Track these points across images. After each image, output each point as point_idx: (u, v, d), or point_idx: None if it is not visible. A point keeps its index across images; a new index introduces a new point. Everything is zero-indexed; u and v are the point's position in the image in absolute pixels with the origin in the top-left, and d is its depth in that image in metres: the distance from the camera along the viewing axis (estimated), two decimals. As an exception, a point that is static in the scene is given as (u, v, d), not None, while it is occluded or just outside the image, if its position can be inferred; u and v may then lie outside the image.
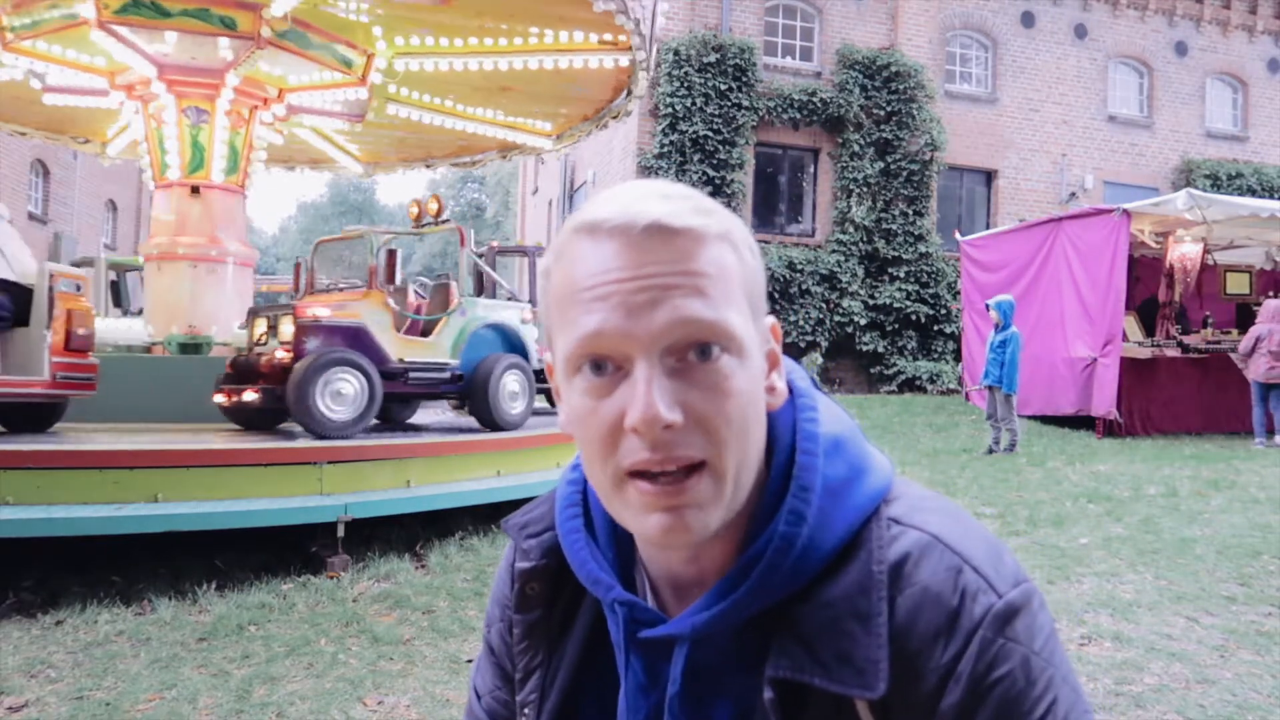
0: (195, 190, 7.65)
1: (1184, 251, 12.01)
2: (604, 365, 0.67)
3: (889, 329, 15.89)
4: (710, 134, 15.24)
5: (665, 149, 15.20)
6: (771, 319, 0.75)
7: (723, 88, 15.31)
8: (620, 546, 0.79)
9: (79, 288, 5.91)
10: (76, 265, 8.84)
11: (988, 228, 16.30)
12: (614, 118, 9.58)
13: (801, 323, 15.20)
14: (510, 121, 10.14)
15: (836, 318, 15.62)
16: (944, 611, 0.66)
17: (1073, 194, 17.91)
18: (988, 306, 9.56)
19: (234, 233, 8.01)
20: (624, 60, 7.77)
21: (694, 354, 0.66)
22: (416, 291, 7.53)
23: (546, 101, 9.46)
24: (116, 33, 6.75)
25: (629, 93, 8.77)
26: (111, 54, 7.22)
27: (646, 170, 15.28)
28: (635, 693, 0.76)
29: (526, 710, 0.83)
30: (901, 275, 16.03)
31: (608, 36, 7.62)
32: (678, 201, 0.68)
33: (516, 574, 0.84)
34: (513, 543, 0.88)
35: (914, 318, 15.90)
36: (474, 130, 10.14)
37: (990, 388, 9.22)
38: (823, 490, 0.71)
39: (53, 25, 6.98)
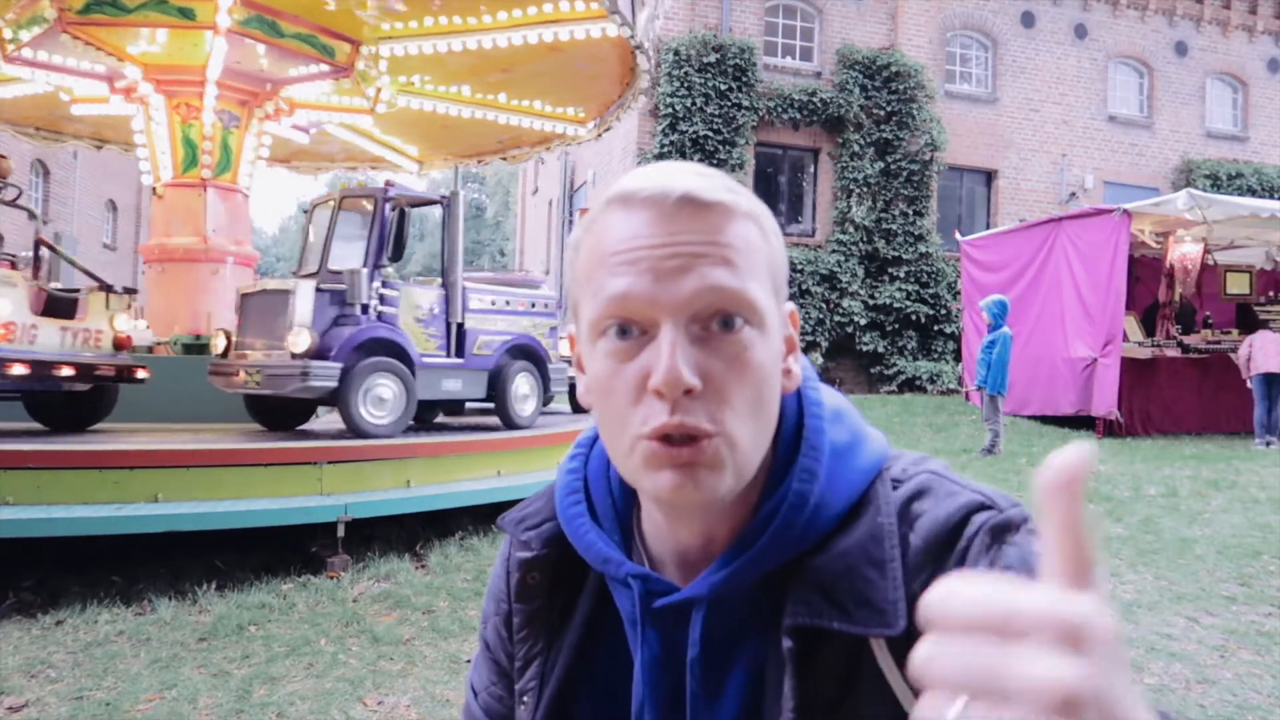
0: (154, 192, 7.66)
1: (1184, 251, 12.02)
2: (629, 329, 0.69)
3: (889, 329, 15.89)
4: (710, 134, 15.24)
5: (665, 149, 15.19)
6: (791, 305, 0.78)
7: (723, 88, 15.30)
8: (623, 530, 0.81)
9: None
10: None
11: (988, 228, 16.30)
12: (635, 99, 9.41)
13: (801, 322, 15.13)
14: (542, 110, 10.02)
15: (836, 318, 15.62)
16: (948, 528, 0.69)
17: (1072, 194, 17.91)
18: (982, 308, 9.54)
19: (232, 232, 8.00)
20: (611, 30, 7.56)
21: (717, 324, 0.68)
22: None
23: (557, 84, 9.31)
24: (84, 34, 6.69)
25: (635, 70, 8.63)
26: (81, 56, 7.18)
27: (646, 170, 15.26)
28: (652, 665, 0.77)
29: (526, 698, 0.84)
30: (901, 275, 16.03)
31: (581, 5, 7.44)
32: (710, 178, 0.71)
33: (516, 564, 0.86)
34: (509, 538, 0.89)
35: (914, 318, 15.90)
36: (508, 121, 10.03)
37: (980, 388, 9.22)
38: (830, 452, 0.74)
39: (40, 33, 6.95)
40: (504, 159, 11.74)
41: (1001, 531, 0.68)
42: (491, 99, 9.71)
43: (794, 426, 0.76)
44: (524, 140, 10.99)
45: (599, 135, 10.57)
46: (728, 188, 0.71)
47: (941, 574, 0.66)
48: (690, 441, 0.67)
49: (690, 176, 0.70)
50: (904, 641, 0.68)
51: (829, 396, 0.79)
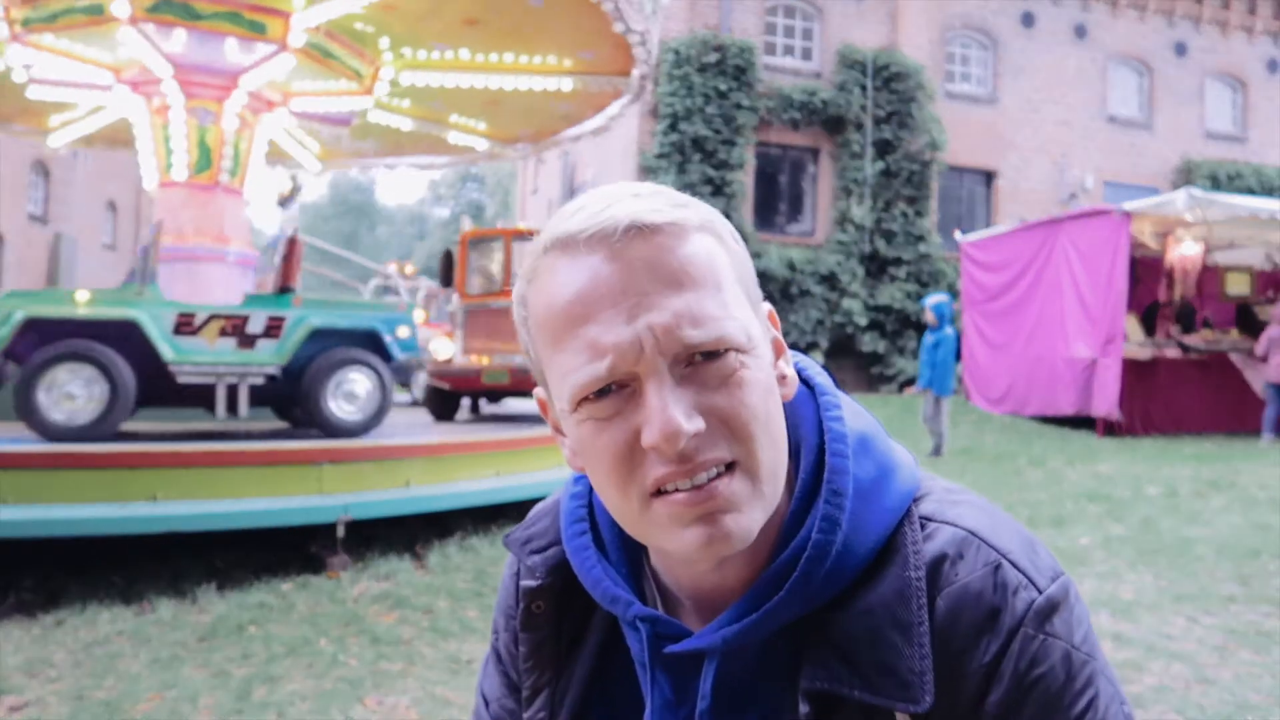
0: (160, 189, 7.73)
1: (1184, 251, 12.01)
2: (607, 387, 0.63)
3: (889, 329, 15.89)
4: (710, 134, 15.23)
5: (665, 149, 15.19)
6: (767, 305, 0.72)
7: (723, 88, 15.30)
8: (632, 561, 0.76)
9: None
10: None
11: (988, 228, 16.31)
12: (593, 133, 9.73)
13: (801, 323, 15.19)
14: (484, 130, 10.21)
15: (836, 318, 15.62)
16: (985, 610, 0.64)
17: (1072, 195, 17.91)
18: (923, 306, 9.26)
19: (234, 232, 8.05)
20: (621, 84, 7.87)
21: (701, 355, 0.63)
22: None
23: (524, 115, 9.56)
24: (146, 31, 6.79)
25: (605, 112, 8.93)
26: (127, 51, 7.23)
27: (647, 170, 15.28)
28: (662, 710, 0.72)
29: None
30: (901, 275, 16.03)
31: (617, 60, 7.70)
32: (651, 198, 0.65)
33: (522, 592, 0.80)
34: (515, 556, 0.84)
35: (914, 318, 15.90)
36: (448, 138, 10.22)
37: (925, 390, 8.91)
38: (854, 493, 0.68)
39: (73, 21, 7.01)
40: (414, 166, 11.90)
41: (1044, 619, 0.64)
42: (455, 120, 9.89)
43: (814, 459, 0.70)
44: (444, 152, 11.18)
45: (527, 156, 10.87)
46: (673, 203, 0.65)
47: (979, 664, 0.63)
48: (705, 485, 0.62)
49: (629, 200, 0.64)
50: (925, 716, 0.64)
51: (852, 420, 0.72)
